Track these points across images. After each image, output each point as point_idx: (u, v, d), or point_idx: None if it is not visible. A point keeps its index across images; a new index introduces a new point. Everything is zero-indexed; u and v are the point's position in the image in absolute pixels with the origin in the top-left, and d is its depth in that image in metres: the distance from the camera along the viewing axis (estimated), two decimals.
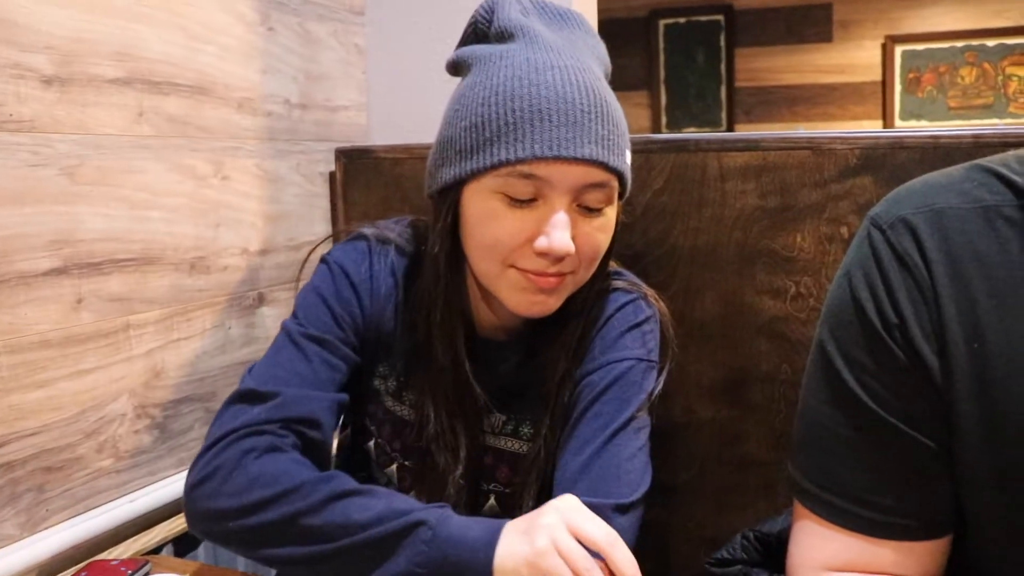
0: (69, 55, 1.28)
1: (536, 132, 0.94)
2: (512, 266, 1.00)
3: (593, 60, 1.03)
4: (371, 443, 1.17)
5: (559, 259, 0.98)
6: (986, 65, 5.32)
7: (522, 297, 1.01)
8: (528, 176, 0.95)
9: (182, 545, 1.46)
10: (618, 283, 1.14)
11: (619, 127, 1.00)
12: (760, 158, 1.45)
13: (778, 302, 1.45)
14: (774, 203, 1.44)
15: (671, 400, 1.52)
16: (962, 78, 5.37)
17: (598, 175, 0.97)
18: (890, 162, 1.37)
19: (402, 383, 1.14)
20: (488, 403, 1.11)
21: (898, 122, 5.31)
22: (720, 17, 5.67)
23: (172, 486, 1.46)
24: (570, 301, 1.08)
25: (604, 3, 2.04)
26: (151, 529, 1.42)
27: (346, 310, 1.10)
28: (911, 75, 5.38)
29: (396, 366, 1.14)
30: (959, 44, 5.33)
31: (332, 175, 1.81)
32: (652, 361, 1.11)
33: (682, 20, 5.73)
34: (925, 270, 0.81)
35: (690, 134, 1.51)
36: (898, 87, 5.37)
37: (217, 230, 1.56)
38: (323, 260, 1.15)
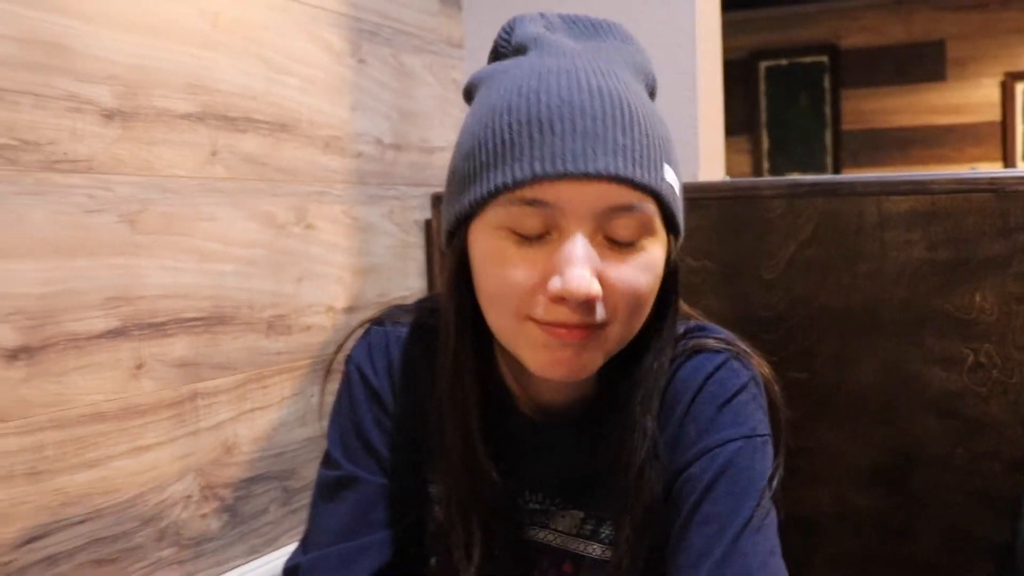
0: (133, 86, 1.13)
1: (536, 147, 0.76)
2: (529, 318, 0.80)
3: (624, 67, 0.84)
4: (433, 560, 0.98)
5: (582, 304, 0.77)
6: None
7: (544, 355, 0.81)
8: (533, 203, 0.76)
9: None
10: (705, 342, 0.92)
11: (651, 136, 0.79)
12: (929, 203, 1.29)
13: (952, 373, 1.29)
14: (946, 256, 1.28)
15: (820, 487, 1.35)
16: None
17: (623, 195, 0.76)
18: None
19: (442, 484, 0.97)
20: (547, 497, 0.94)
21: (1021, 164, 5.02)
22: (824, 58, 5.51)
23: None
24: (638, 362, 0.87)
25: None
26: None
27: (374, 423, 0.96)
28: None
29: (439, 465, 0.96)
30: None
31: (428, 223, 1.67)
32: (762, 435, 0.89)
33: (784, 62, 5.58)
34: None
35: (844, 176, 1.30)
36: (1020, 126, 5.12)
37: (299, 285, 1.40)
38: (345, 363, 1.00)
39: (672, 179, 0.81)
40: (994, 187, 1.23)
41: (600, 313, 0.78)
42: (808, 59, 5.56)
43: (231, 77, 1.27)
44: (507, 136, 0.77)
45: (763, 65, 5.62)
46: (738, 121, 5.56)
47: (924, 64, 5.27)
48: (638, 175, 0.76)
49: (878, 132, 5.39)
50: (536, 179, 0.75)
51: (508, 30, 0.89)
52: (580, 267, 0.75)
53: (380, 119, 1.57)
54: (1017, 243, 1.22)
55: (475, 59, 1.80)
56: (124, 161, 1.12)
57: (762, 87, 5.64)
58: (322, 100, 1.43)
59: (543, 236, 0.77)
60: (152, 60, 1.16)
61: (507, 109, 0.78)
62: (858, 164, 5.38)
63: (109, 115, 1.10)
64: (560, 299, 0.76)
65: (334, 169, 1.47)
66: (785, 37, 5.55)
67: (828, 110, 5.51)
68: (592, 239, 0.77)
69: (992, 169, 1.18)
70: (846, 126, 5.48)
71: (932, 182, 1.27)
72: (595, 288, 0.75)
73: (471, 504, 0.90)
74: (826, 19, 5.44)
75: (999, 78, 5.13)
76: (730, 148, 5.54)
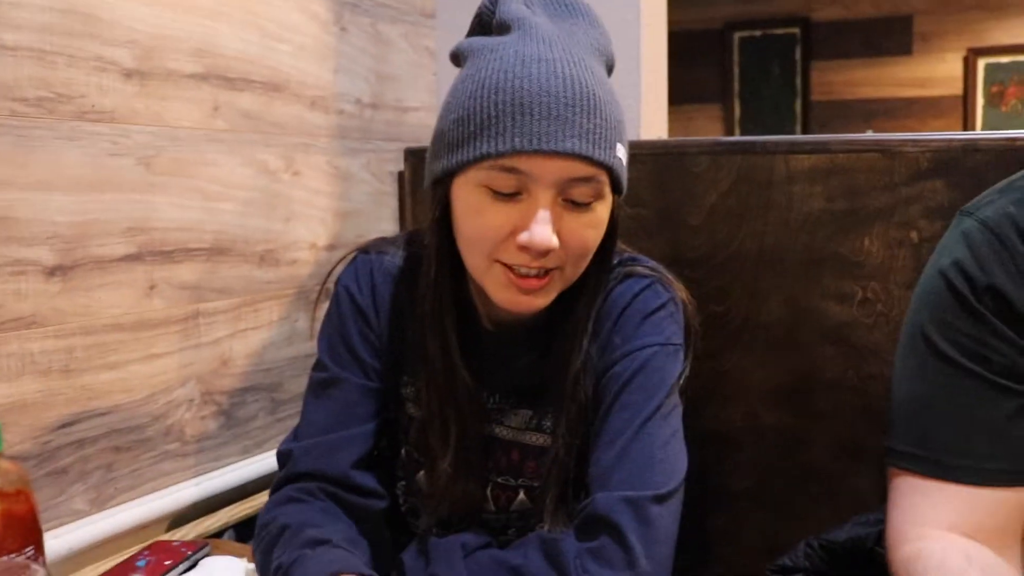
0: (150, 50, 1.32)
1: (517, 126, 0.93)
2: (497, 261, 0.99)
3: (591, 53, 1.01)
4: (403, 451, 1.18)
5: (542, 254, 0.97)
6: None
7: (507, 294, 1.01)
8: (510, 170, 0.94)
9: (244, 530, 1.48)
10: (635, 268, 1.12)
11: (608, 120, 0.97)
12: (828, 160, 1.43)
13: (845, 307, 1.43)
14: (842, 206, 1.42)
15: (734, 405, 1.51)
16: None
17: (582, 169, 0.95)
18: (963, 165, 1.34)
19: (419, 385, 1.14)
20: (502, 398, 1.12)
21: None
22: (796, 30, 5.60)
23: (236, 472, 1.49)
24: (579, 294, 1.07)
25: (678, 15, 2.03)
26: (214, 513, 1.45)
27: (358, 334, 1.13)
28: (994, 89, 5.25)
29: (415, 370, 1.14)
30: None
31: (401, 174, 1.84)
32: (675, 344, 1.09)
33: (757, 33, 5.67)
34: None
35: (757, 137, 1.50)
36: (980, 101, 5.23)
37: (287, 224, 1.59)
38: (335, 284, 1.17)
39: (622, 154, 1.00)
40: (881, 148, 1.37)
41: (555, 260, 0.99)
42: (780, 31, 5.65)
43: (231, 43, 1.46)
44: (493, 113, 0.94)
45: (737, 36, 5.72)
46: (712, 90, 5.70)
47: (891, 38, 5.36)
48: (596, 154, 0.95)
49: (846, 103, 5.49)
50: (515, 152, 0.93)
51: (492, 2, 1.05)
52: (544, 225, 0.95)
53: (360, 81, 1.75)
54: (899, 196, 1.36)
55: (446, 28, 1.95)
56: (140, 113, 1.32)
57: (735, 57, 5.77)
58: (309, 64, 1.62)
59: (515, 195, 0.96)
60: (165, 28, 1.34)
61: (495, 89, 0.95)
62: (826, 133, 5.50)
63: (128, 74, 1.29)
64: (526, 248, 0.96)
65: (319, 124, 1.66)
66: (758, 9, 5.63)
67: (798, 81, 5.60)
68: (554, 201, 0.96)
69: (882, 133, 1.36)
70: (815, 96, 5.57)
71: (831, 143, 1.42)
72: (554, 242, 0.96)
73: (448, 401, 1.08)
74: None
75: (962, 53, 5.24)
76: (703, 116, 5.73)
